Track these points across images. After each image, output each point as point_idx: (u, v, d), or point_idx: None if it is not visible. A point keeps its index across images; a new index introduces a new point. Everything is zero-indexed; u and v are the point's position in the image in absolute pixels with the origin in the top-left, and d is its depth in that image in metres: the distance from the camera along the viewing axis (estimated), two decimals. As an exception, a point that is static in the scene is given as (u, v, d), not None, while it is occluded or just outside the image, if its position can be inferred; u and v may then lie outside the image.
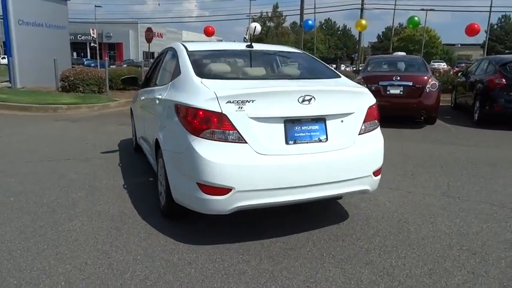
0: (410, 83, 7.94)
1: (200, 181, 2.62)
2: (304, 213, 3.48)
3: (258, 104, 2.63)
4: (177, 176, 2.89)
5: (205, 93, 2.68)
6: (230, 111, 2.59)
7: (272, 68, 3.68)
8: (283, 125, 2.70)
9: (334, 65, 38.10)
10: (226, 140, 2.60)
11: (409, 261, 2.70)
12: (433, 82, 7.98)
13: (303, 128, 2.77)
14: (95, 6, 49.61)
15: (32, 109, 9.94)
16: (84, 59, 53.12)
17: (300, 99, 2.71)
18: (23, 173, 4.62)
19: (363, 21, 14.69)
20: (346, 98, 2.96)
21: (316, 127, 2.81)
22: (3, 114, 9.62)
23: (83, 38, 59.49)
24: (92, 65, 34.02)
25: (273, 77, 3.45)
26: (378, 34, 73.18)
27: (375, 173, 3.05)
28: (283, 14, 67.82)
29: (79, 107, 10.26)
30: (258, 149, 2.62)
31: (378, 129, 3.17)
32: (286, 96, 2.72)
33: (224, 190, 2.59)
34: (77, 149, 5.92)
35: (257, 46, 3.73)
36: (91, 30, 47.00)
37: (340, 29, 77.79)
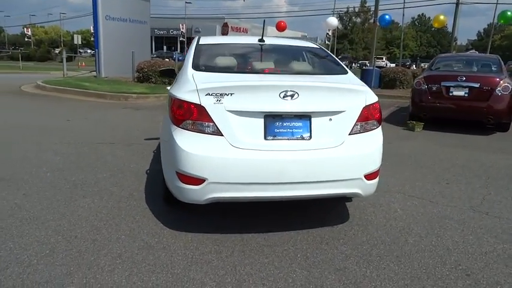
0: (477, 85, 7.16)
1: (178, 170, 2.71)
2: (303, 212, 3.40)
3: (236, 97, 2.63)
4: (165, 164, 3.01)
5: (189, 85, 2.75)
6: (208, 103, 2.62)
7: (274, 62, 3.61)
8: (262, 119, 2.66)
9: (422, 64, 35.63)
10: (203, 132, 2.65)
11: (386, 273, 2.50)
12: (506, 85, 7.09)
13: (284, 124, 2.70)
14: (186, 2, 52.37)
15: (107, 97, 10.92)
16: (174, 53, 56.55)
17: (282, 95, 2.64)
18: (69, 153, 5.15)
19: (441, 17, 13.46)
20: (337, 95, 2.81)
21: (300, 124, 2.72)
22: (83, 100, 10.74)
23: (174, 32, 63.31)
24: (180, 58, 36.09)
25: (271, 72, 3.38)
26: (479, 31, 66.78)
27: (368, 177, 2.85)
28: (371, 9, 64.93)
29: (147, 97, 11.02)
30: (234, 143, 2.63)
31: (377, 131, 2.96)
32: (266, 90, 2.68)
33: (198, 180, 2.65)
34: (126, 134, 6.42)
35: (268, 40, 3.69)
36: (180, 25, 49.99)
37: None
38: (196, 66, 3.09)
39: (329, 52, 3.67)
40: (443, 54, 10.82)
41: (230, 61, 3.35)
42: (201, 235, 2.94)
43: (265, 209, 3.39)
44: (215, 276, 2.41)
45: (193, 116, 2.66)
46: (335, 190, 2.80)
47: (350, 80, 3.09)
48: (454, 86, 7.32)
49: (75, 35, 36.89)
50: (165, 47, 57.72)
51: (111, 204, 3.48)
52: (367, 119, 2.86)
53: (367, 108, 2.85)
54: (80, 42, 36.57)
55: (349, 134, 2.79)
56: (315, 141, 2.72)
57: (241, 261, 2.59)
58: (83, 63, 28.90)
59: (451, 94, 7.36)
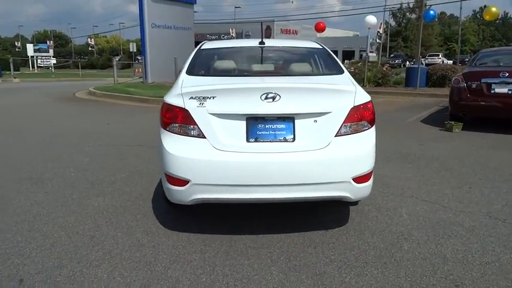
0: (522, 81, 6.60)
1: (165, 171, 2.80)
2: (302, 215, 3.36)
3: (218, 100, 2.67)
4: (160, 166, 3.12)
5: (176, 90, 2.84)
6: (192, 106, 2.69)
7: (270, 64, 3.59)
8: (245, 122, 2.68)
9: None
10: (188, 135, 2.72)
11: (366, 280, 2.41)
12: (556, 80, 6.48)
13: (267, 126, 2.69)
14: (235, 7, 53.48)
15: (149, 101, 11.44)
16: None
17: (263, 97, 2.64)
18: (98, 154, 5.48)
19: (493, 9, 12.48)
20: (322, 96, 2.75)
21: (283, 126, 2.70)
22: (126, 105, 11.35)
23: (225, 37, 64.74)
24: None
25: (257, 74, 3.36)
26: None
27: (357, 180, 2.76)
28: (427, 4, 61.89)
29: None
30: (217, 145, 2.66)
31: (368, 132, 2.85)
32: (248, 93, 2.69)
33: (182, 182, 2.72)
34: (154, 137, 6.68)
35: (269, 43, 3.68)
36: (230, 29, 50.95)
37: (500, 17, 67.46)
38: (190, 71, 3.18)
39: (330, 52, 3.59)
40: (487, 49, 10.08)
41: (222, 64, 3.39)
42: (192, 235, 3.01)
43: (264, 211, 3.38)
44: (191, 275, 2.46)
45: (178, 120, 2.74)
46: (321, 193, 2.74)
47: (341, 80, 3.00)
48: (496, 83, 6.80)
49: (130, 43, 38.96)
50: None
51: (119, 203, 3.67)
52: (356, 119, 2.77)
53: (356, 108, 2.76)
54: (135, 50, 38.56)
55: (336, 136, 2.72)
56: (299, 143, 2.69)
57: (222, 262, 2.62)
58: (139, 70, 30.42)
59: (492, 92, 6.85)
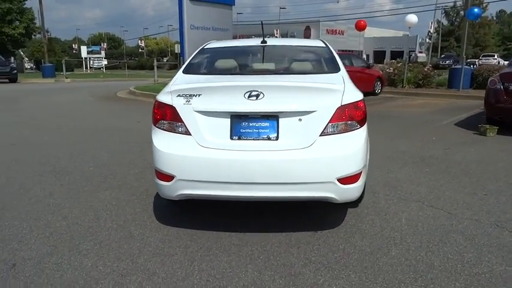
0: None
1: (154, 167, 2.90)
2: (297, 215, 3.33)
3: (203, 98, 2.71)
4: None
5: (167, 87, 2.92)
6: (179, 104, 2.75)
7: (267, 63, 3.56)
8: (229, 120, 2.70)
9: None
10: (174, 131, 2.79)
11: (340, 284, 2.35)
12: None
13: (250, 124, 2.70)
14: (280, 8, 53.34)
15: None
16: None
17: (246, 95, 2.65)
18: (120, 151, 5.73)
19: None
20: (306, 95, 2.70)
21: (267, 124, 2.69)
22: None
23: (270, 38, 64.62)
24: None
25: (248, 73, 3.34)
26: None
27: (342, 181, 2.69)
28: (484, 1, 58.42)
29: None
30: (201, 142, 2.71)
31: (357, 132, 2.76)
32: (232, 91, 2.71)
33: (168, 177, 2.79)
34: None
35: (271, 42, 3.66)
36: (275, 30, 51.00)
37: None
38: (186, 70, 3.26)
39: (331, 51, 3.51)
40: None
41: (217, 63, 3.43)
42: (182, 230, 3.08)
43: (258, 211, 3.39)
44: (168, 269, 2.53)
45: (166, 117, 2.81)
46: (305, 193, 2.70)
47: (332, 79, 2.94)
48: (536, 85, 6.33)
49: (175, 45, 40.17)
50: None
51: (124, 197, 3.82)
52: (344, 119, 2.70)
53: (343, 108, 2.69)
54: (180, 51, 39.67)
55: (321, 135, 2.67)
56: (282, 142, 2.67)
57: (202, 258, 2.67)
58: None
59: (532, 94, 6.37)
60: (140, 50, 67.67)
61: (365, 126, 2.83)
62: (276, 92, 2.70)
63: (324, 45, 3.70)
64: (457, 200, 3.71)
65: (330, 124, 2.68)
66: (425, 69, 14.71)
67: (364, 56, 72.57)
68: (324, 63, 3.37)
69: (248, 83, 2.73)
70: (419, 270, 2.49)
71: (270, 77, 3.07)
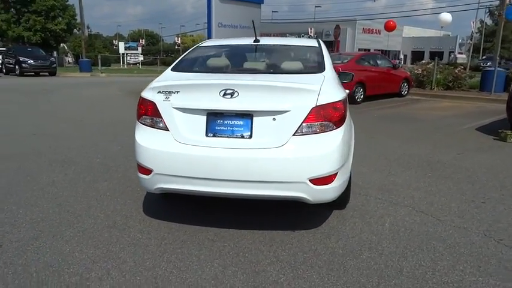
0: None
1: (136, 161, 3.00)
2: (279, 215, 3.35)
3: (182, 95, 2.78)
4: None
5: (151, 83, 3.01)
6: (159, 100, 2.83)
7: (253, 62, 3.57)
8: (205, 117, 2.76)
9: None
10: (154, 127, 2.87)
11: (299, 284, 2.35)
12: None
13: (225, 122, 2.74)
14: (315, 6, 52.85)
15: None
16: (303, 56, 57.67)
17: (221, 93, 2.69)
18: (130, 144, 5.85)
19: None
20: (281, 94, 2.70)
21: (241, 122, 2.72)
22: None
23: (305, 37, 64.29)
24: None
25: (231, 71, 3.35)
26: None
27: (315, 181, 2.68)
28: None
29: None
30: (178, 138, 2.78)
31: (333, 133, 2.72)
32: (208, 89, 2.76)
33: (147, 171, 2.88)
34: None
35: (264, 41, 3.67)
36: (309, 29, 50.61)
37: None
38: (174, 67, 3.34)
39: (321, 51, 3.47)
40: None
41: (204, 62, 3.49)
42: (164, 223, 3.17)
43: (244, 208, 3.43)
44: (138, 258, 2.62)
45: (148, 112, 2.91)
46: (276, 192, 2.71)
47: (310, 79, 2.91)
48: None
49: (209, 42, 40.62)
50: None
51: (120, 188, 3.97)
52: (319, 119, 2.69)
53: (318, 108, 2.68)
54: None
55: (294, 135, 2.67)
56: (255, 141, 2.69)
57: (174, 250, 2.74)
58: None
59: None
60: (176, 47, 69.01)
61: (342, 127, 2.79)
62: (250, 91, 2.72)
63: (316, 45, 3.68)
64: (451, 207, 3.59)
65: (304, 124, 2.67)
66: (456, 71, 14.14)
67: (402, 56, 70.56)
68: (310, 64, 3.35)
69: (223, 81, 2.77)
70: (385, 275, 2.45)
71: (247, 76, 3.09)
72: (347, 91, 3.66)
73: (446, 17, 13.63)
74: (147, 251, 2.72)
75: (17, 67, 21.98)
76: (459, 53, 50.50)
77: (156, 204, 3.55)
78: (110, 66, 36.43)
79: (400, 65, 13.78)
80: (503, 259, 2.66)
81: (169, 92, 2.80)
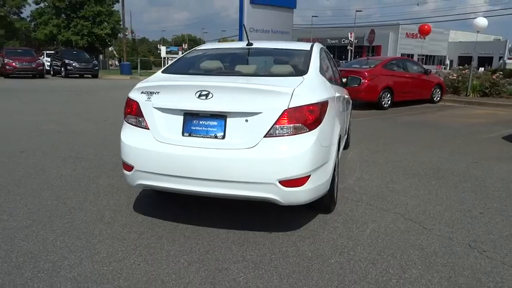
0: None
1: (121, 157, 3.14)
2: (263, 216, 3.38)
3: (161, 95, 2.89)
4: None
5: (137, 84, 3.15)
6: (141, 100, 2.96)
7: (240, 65, 3.61)
8: (182, 117, 2.85)
9: None
10: (136, 125, 3.00)
11: (255, 283, 2.37)
12: None
13: (200, 122, 2.81)
14: (356, 11, 52.02)
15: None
16: (342, 62, 56.96)
17: (197, 94, 2.77)
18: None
19: None
20: (253, 96, 2.73)
21: (215, 123, 2.78)
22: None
23: (345, 41, 63.49)
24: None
25: (215, 73, 3.40)
26: None
27: (285, 183, 2.69)
28: None
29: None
30: (157, 136, 2.89)
31: (305, 135, 2.72)
32: (185, 90, 2.84)
33: (129, 167, 3.02)
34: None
35: (257, 44, 3.72)
36: (349, 34, 49.87)
37: None
38: (165, 69, 3.47)
39: (310, 55, 3.45)
40: None
41: (192, 65, 3.58)
42: (149, 218, 3.29)
43: (230, 207, 3.48)
44: (112, 250, 2.74)
45: (132, 112, 3.04)
46: (247, 192, 2.75)
47: (286, 82, 2.90)
48: None
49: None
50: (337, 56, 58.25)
51: (119, 184, 4.14)
52: (291, 122, 2.70)
53: (291, 110, 2.69)
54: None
55: (265, 136, 2.70)
56: (228, 141, 2.75)
57: (148, 244, 2.84)
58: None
59: None
60: (216, 51, 70.21)
61: (316, 130, 2.78)
62: (224, 93, 2.78)
63: (307, 49, 3.68)
64: (443, 216, 3.46)
65: (276, 126, 2.69)
66: (494, 77, 13.43)
67: (448, 62, 67.71)
68: (294, 66, 3.36)
69: (199, 83, 2.85)
70: (346, 280, 2.42)
71: (224, 78, 3.15)
72: (338, 94, 3.64)
73: (482, 21, 12.96)
74: (123, 244, 2.84)
75: (62, 69, 23.34)
76: (509, 58, 47.87)
77: (146, 201, 3.68)
78: (151, 69, 37.73)
79: (431, 71, 13.22)
80: (479, 271, 2.54)
81: (151, 93, 2.93)
